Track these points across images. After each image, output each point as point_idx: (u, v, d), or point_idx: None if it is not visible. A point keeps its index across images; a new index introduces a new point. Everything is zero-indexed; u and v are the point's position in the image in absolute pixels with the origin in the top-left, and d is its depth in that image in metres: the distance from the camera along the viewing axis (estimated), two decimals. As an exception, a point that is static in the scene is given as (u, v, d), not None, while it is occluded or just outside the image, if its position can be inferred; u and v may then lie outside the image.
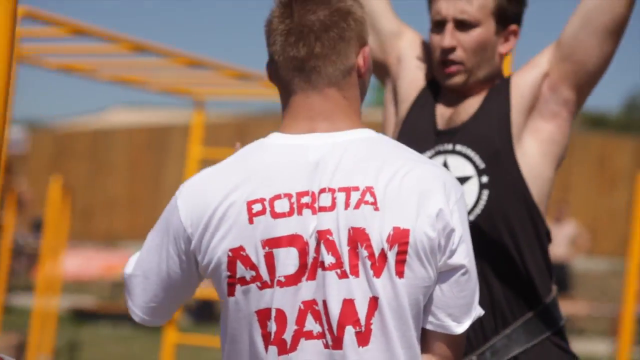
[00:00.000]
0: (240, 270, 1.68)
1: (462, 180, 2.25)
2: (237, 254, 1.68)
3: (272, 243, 1.67)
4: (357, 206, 1.67)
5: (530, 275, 2.28)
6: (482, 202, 2.27)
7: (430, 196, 1.67)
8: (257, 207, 1.68)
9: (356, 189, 1.68)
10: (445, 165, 2.28)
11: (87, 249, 14.10)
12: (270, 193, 1.69)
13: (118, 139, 18.02)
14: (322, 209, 1.67)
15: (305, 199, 1.68)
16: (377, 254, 1.65)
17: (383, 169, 1.69)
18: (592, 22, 2.21)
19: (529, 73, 2.32)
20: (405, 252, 1.65)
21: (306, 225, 1.67)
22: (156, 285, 1.79)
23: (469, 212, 2.24)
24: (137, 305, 1.81)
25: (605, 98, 57.74)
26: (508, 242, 2.27)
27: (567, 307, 10.13)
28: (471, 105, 2.34)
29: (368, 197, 1.67)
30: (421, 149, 2.24)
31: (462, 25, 2.29)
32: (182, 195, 1.75)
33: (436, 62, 2.33)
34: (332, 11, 1.74)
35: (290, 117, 1.76)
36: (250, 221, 1.68)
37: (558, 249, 11.35)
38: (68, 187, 18.92)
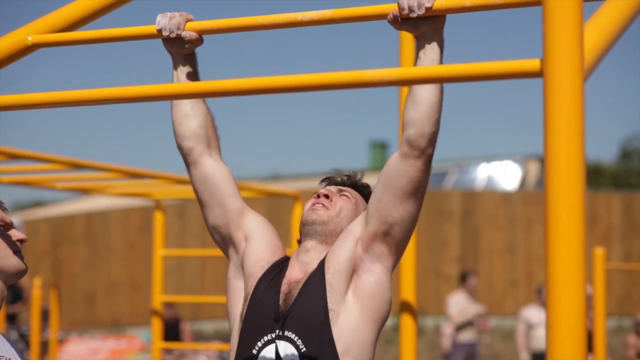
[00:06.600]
0: None
1: None
2: None
3: None
4: None
5: None
6: None
7: None
8: None
9: None
10: (276, 350, 2.46)
11: (94, 338, 14.00)
12: None
13: (113, 220, 18.01)
14: None
15: None
16: None
17: None
18: (392, 186, 2.43)
19: (343, 240, 2.54)
20: None
21: None
22: None
23: None
24: None
25: (600, 148, 57.96)
26: None
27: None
28: (299, 282, 2.53)
29: None
30: (261, 334, 2.48)
31: (342, 193, 2.68)
32: None
33: (309, 203, 2.66)
34: None
35: None
36: None
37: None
38: (66, 275, 18.77)
